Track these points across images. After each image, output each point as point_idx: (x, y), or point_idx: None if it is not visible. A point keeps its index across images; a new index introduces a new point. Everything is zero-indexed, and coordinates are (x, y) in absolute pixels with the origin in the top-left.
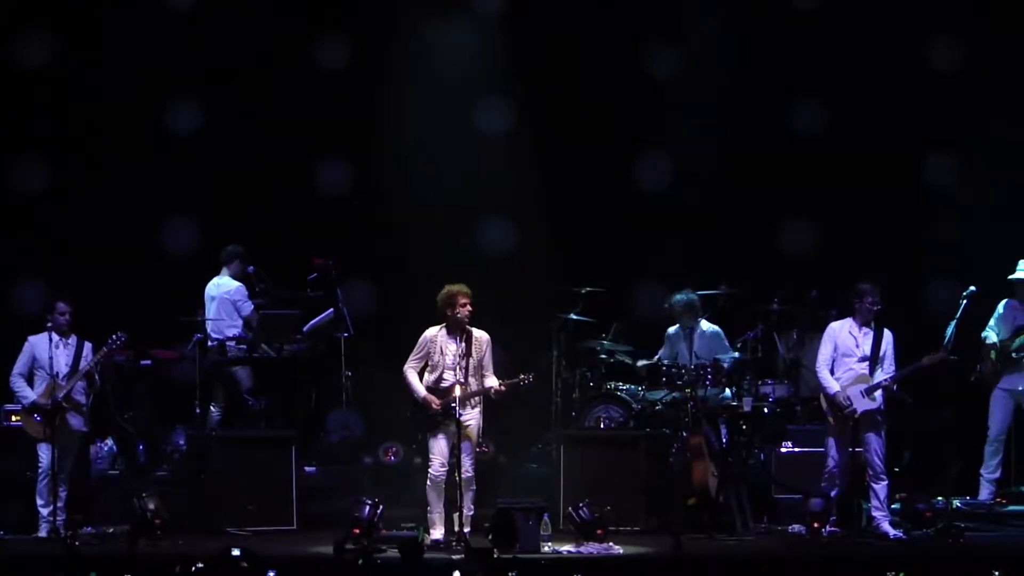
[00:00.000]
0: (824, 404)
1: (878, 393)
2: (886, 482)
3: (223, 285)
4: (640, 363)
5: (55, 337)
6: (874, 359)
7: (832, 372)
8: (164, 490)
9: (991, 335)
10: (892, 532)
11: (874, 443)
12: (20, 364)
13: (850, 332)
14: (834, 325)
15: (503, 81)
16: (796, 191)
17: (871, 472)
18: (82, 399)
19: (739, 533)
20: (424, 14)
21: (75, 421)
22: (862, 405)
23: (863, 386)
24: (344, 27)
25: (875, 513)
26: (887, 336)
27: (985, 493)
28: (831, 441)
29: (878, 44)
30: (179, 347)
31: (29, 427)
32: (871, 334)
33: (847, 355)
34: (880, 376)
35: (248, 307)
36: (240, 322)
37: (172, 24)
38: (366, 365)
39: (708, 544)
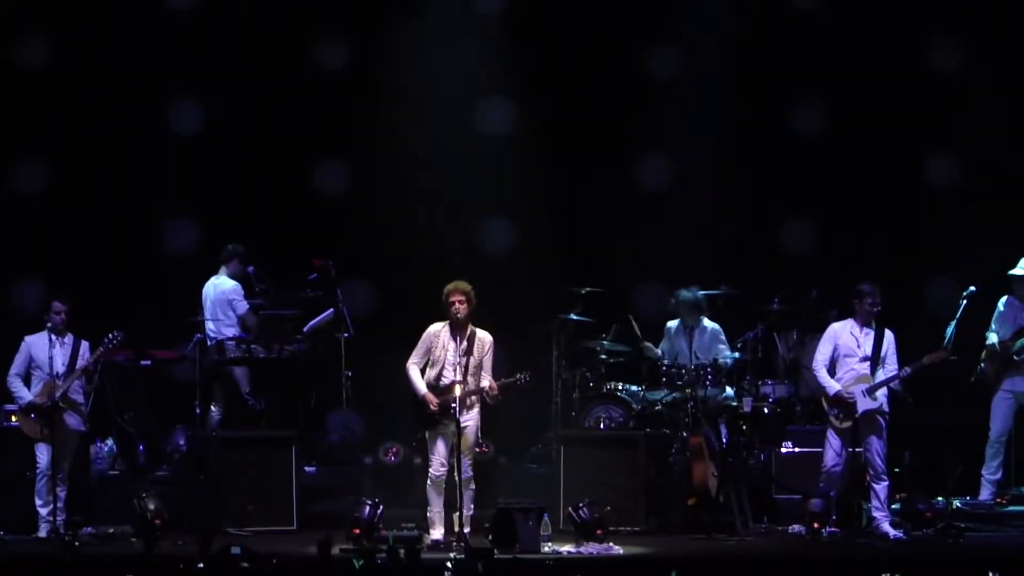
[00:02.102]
0: (824, 404)
1: (879, 393)
2: (887, 482)
3: (220, 284)
4: (647, 344)
5: (53, 337)
6: (875, 359)
7: (834, 372)
8: (164, 490)
9: (992, 337)
10: (892, 532)
11: (875, 443)
12: (17, 364)
13: (851, 332)
14: (835, 325)
15: (503, 81)
16: (796, 191)
17: (872, 472)
18: (80, 399)
19: (739, 533)
20: (424, 14)
21: (73, 421)
22: (863, 405)
23: (864, 386)
24: (344, 27)
25: (875, 513)
26: (888, 336)
27: (986, 494)
28: (831, 441)
29: (878, 44)
30: (179, 347)
31: (26, 427)
32: (872, 334)
33: (848, 355)
34: (881, 376)
35: (243, 306)
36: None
37: (172, 24)
38: (366, 365)
39: (708, 544)
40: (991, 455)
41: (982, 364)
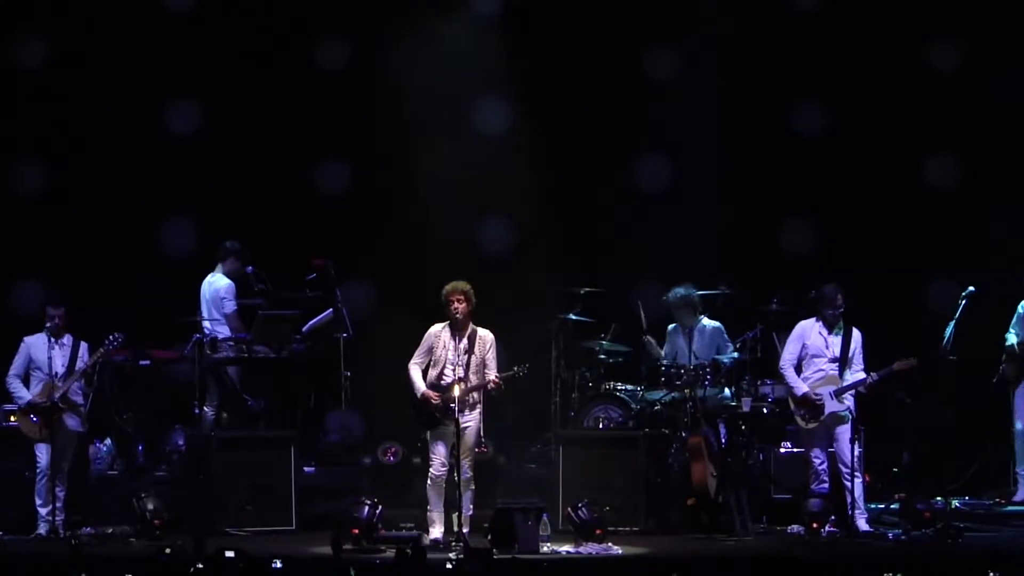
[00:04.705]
0: (791, 404)
1: (847, 395)
2: (860, 479)
3: (215, 283)
4: (648, 338)
5: (52, 338)
6: (843, 360)
7: (801, 371)
8: (163, 490)
9: (1011, 338)
10: (863, 528)
11: (845, 444)
12: (16, 365)
13: (820, 333)
14: (803, 324)
15: (503, 81)
16: (796, 191)
17: (844, 471)
18: (79, 399)
19: (738, 533)
20: (424, 14)
21: (72, 422)
22: (830, 407)
23: (832, 387)
24: (344, 27)
25: (853, 512)
26: (856, 336)
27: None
28: (812, 443)
29: (878, 44)
30: (178, 347)
31: (25, 427)
32: (840, 334)
33: (817, 356)
34: (849, 378)
35: (230, 307)
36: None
37: (171, 24)
38: (365, 365)
39: (707, 544)
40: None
41: (1003, 365)
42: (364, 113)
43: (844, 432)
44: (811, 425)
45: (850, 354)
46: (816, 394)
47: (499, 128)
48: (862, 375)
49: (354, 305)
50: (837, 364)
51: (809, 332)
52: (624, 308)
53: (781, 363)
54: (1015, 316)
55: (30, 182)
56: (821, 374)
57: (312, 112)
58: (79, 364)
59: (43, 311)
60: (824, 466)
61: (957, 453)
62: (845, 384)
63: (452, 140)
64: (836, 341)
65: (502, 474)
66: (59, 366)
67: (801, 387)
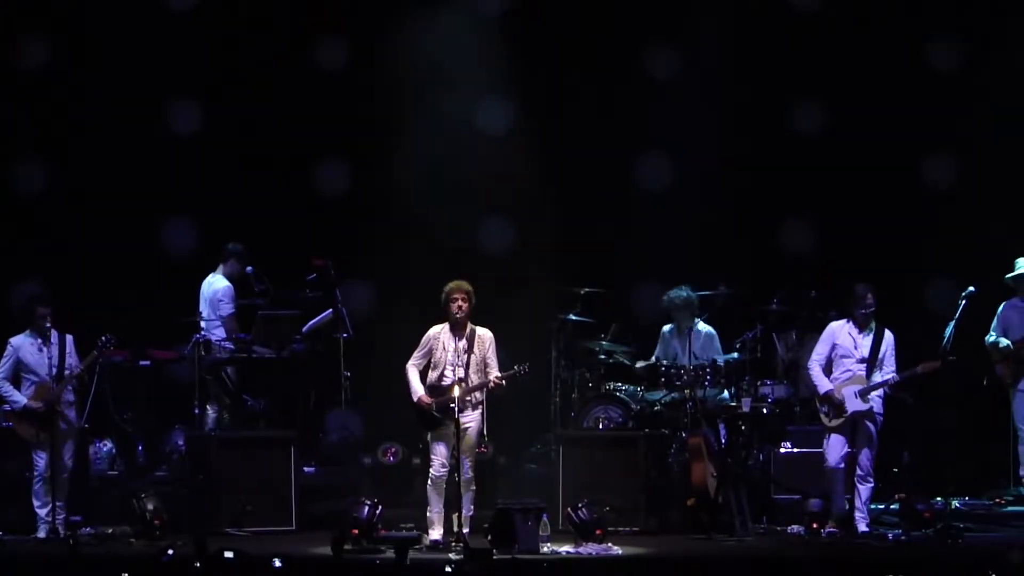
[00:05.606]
0: (816, 402)
1: (873, 395)
2: (871, 484)
3: (214, 284)
4: (638, 364)
5: (39, 339)
6: (872, 361)
7: (830, 372)
8: (163, 491)
9: (1002, 340)
10: (863, 530)
11: (864, 445)
12: (4, 368)
13: (849, 333)
14: (834, 325)
15: (503, 81)
16: (796, 191)
17: (859, 473)
18: (71, 397)
19: (738, 534)
20: (425, 14)
21: (64, 423)
22: (853, 406)
23: (857, 387)
24: (344, 27)
25: (854, 514)
26: (888, 337)
27: None
28: (832, 440)
29: (878, 44)
30: (178, 347)
31: (21, 431)
32: (871, 335)
33: (845, 356)
34: (877, 378)
35: (227, 309)
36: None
37: (172, 24)
38: (365, 365)
39: (707, 544)
40: None
41: (997, 366)
42: (364, 113)
43: (863, 440)
44: (835, 422)
45: (880, 355)
46: (839, 394)
47: (499, 128)
48: (891, 376)
49: (354, 305)
50: (865, 365)
51: (839, 332)
52: (624, 308)
53: (809, 361)
54: (995, 318)
55: (30, 182)
56: (848, 374)
57: (312, 112)
58: (69, 360)
59: (31, 311)
60: (842, 467)
61: (957, 453)
62: (870, 384)
63: (452, 140)
64: (866, 342)
65: (502, 474)
66: (52, 366)
67: (824, 385)
